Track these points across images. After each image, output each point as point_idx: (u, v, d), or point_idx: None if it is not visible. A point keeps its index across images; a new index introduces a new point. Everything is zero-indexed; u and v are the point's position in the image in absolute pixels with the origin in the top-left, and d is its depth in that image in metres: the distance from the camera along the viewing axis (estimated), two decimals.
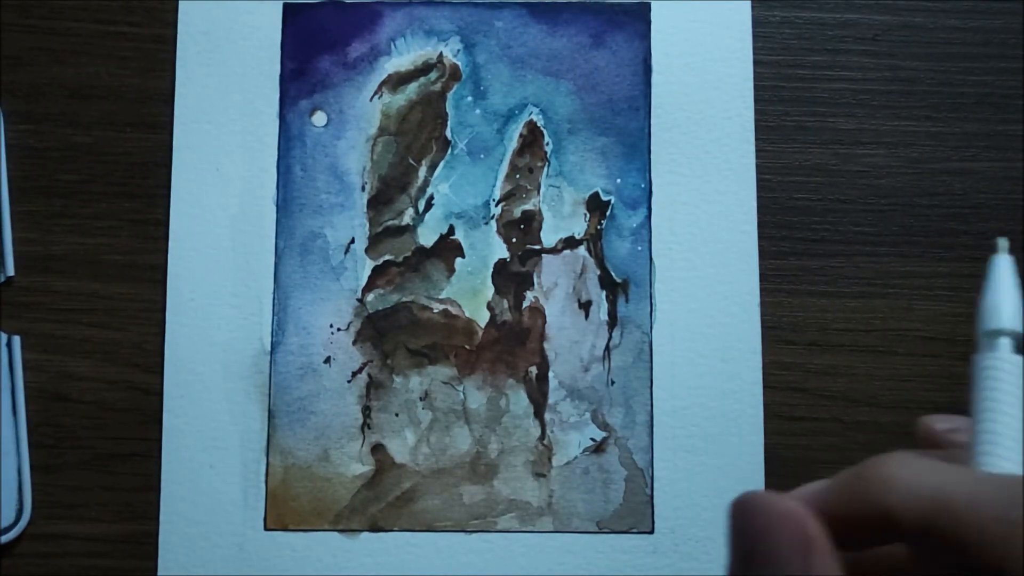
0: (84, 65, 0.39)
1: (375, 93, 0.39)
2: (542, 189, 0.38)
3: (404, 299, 0.38)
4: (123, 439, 0.37)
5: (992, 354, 0.23)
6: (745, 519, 0.22)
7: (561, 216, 0.38)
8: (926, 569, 0.23)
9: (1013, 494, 0.21)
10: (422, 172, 0.38)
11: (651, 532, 0.36)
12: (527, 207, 0.38)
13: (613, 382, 0.37)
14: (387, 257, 0.38)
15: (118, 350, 0.37)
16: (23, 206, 0.38)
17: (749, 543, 0.22)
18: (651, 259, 0.38)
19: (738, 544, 0.22)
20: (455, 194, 0.38)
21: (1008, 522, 0.21)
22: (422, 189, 0.38)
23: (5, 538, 0.36)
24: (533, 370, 0.37)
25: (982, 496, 0.21)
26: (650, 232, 0.38)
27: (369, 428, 0.37)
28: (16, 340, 0.37)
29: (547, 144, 0.38)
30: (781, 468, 0.37)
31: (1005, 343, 0.24)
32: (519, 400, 0.37)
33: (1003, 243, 0.25)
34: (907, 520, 0.21)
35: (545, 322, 0.37)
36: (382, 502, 0.37)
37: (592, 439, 0.37)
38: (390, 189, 0.38)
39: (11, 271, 0.38)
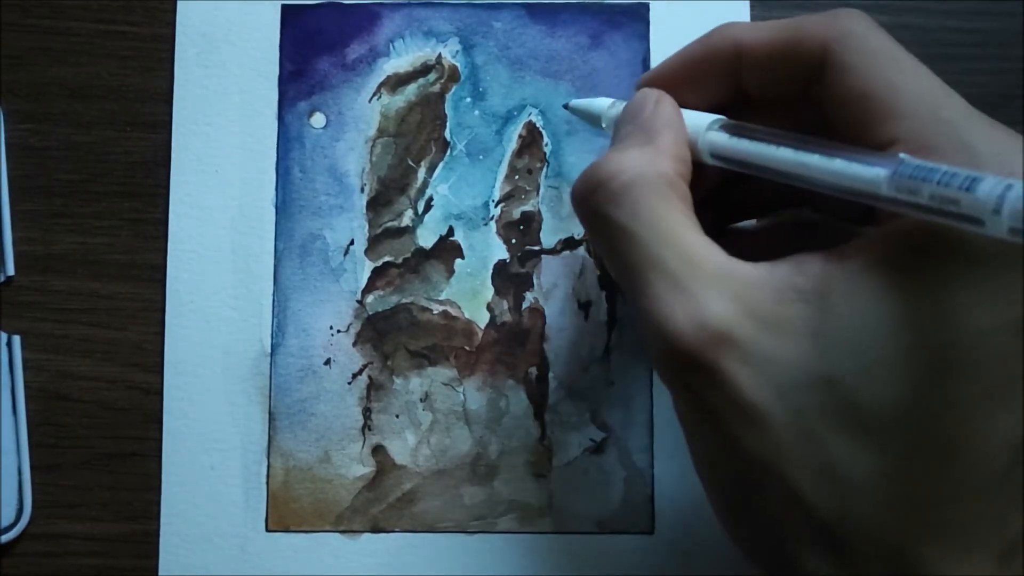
0: (84, 65, 0.39)
1: (374, 94, 0.38)
2: (541, 190, 0.38)
3: (404, 300, 0.38)
4: (123, 438, 0.37)
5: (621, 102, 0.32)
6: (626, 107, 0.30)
7: (560, 217, 0.38)
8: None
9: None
10: (421, 173, 0.38)
11: (651, 532, 0.36)
12: (526, 208, 0.38)
13: (613, 383, 0.37)
14: (387, 259, 0.38)
15: (118, 350, 0.38)
16: (23, 206, 0.38)
17: (626, 115, 0.30)
18: None
19: (619, 122, 0.30)
20: (454, 195, 0.38)
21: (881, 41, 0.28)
22: (421, 190, 0.38)
23: (5, 538, 0.36)
24: (533, 371, 0.37)
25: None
26: None
27: (370, 430, 0.37)
28: (16, 340, 0.37)
29: (546, 145, 0.38)
30: None
31: (616, 103, 0.32)
32: (519, 401, 0.37)
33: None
34: (757, 44, 0.29)
35: (545, 323, 0.38)
36: (383, 503, 0.37)
37: (592, 440, 0.37)
38: (389, 191, 0.38)
39: (11, 271, 0.38)
